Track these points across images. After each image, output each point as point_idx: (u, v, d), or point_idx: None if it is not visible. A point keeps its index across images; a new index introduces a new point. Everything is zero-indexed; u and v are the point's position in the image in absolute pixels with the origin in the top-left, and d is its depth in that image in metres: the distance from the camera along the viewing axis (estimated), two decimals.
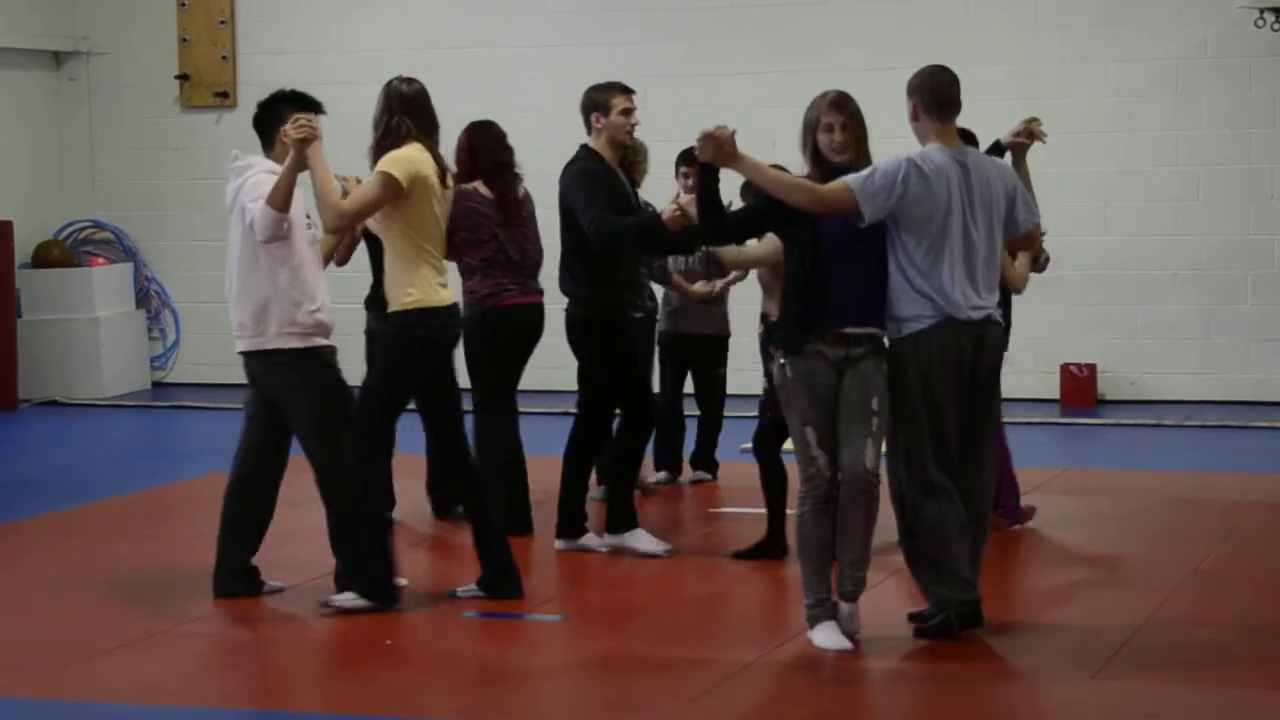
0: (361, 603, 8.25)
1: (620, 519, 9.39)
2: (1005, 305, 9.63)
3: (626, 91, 9.34)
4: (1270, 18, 13.81)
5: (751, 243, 8.66)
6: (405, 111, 8.41)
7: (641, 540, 9.32)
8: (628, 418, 9.39)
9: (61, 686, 7.38)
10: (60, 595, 8.84)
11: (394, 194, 8.23)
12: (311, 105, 8.41)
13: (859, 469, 7.47)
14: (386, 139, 8.40)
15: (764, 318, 9.06)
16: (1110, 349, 14.49)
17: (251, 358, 8.51)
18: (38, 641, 8.01)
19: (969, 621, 7.57)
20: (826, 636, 7.62)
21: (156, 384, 16.43)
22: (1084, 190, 14.20)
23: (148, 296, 16.49)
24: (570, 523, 9.45)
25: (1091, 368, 14.35)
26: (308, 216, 8.40)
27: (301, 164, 8.14)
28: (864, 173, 7.43)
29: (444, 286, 8.41)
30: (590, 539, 9.43)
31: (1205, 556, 9.28)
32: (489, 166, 9.61)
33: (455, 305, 8.52)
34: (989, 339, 7.58)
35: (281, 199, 8.14)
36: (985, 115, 13.49)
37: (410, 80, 8.52)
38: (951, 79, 7.62)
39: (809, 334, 7.54)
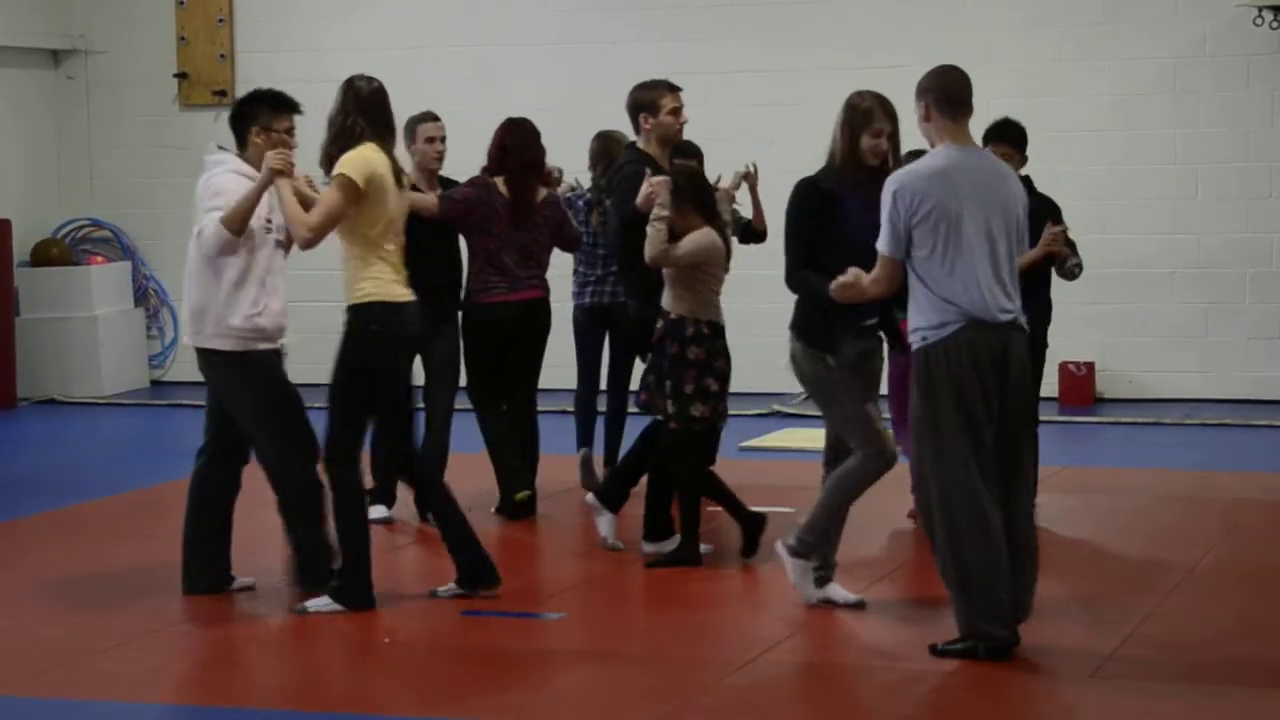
0: (335, 606, 8.24)
1: (659, 527, 9.32)
2: (1047, 304, 9.72)
3: (674, 90, 9.24)
4: (1269, 15, 13.81)
5: (684, 243, 8.79)
6: (360, 111, 8.34)
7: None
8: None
9: (59, 685, 7.37)
10: (58, 593, 8.83)
11: (354, 196, 8.18)
12: (288, 105, 8.41)
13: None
14: (340, 139, 8.36)
15: (665, 315, 8.92)
16: (1109, 348, 14.49)
17: (196, 351, 8.51)
18: (35, 639, 8.00)
19: (997, 657, 7.36)
20: (804, 582, 8.12)
21: (155, 382, 16.43)
22: (1082, 189, 14.18)
23: (146, 295, 16.48)
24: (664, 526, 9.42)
25: (1090, 366, 14.35)
26: (268, 221, 8.31)
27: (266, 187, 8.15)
28: (881, 234, 7.40)
29: (399, 284, 8.32)
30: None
31: (1204, 555, 9.29)
32: (516, 166, 9.70)
33: (412, 303, 8.37)
34: (1014, 345, 7.41)
35: (239, 224, 8.14)
36: (984, 114, 13.58)
37: (370, 79, 8.45)
38: (963, 78, 7.52)
39: (846, 331, 7.84)
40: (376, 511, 9.85)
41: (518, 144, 9.75)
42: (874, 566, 9.08)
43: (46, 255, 16.03)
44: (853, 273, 7.52)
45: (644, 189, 8.86)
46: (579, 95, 14.71)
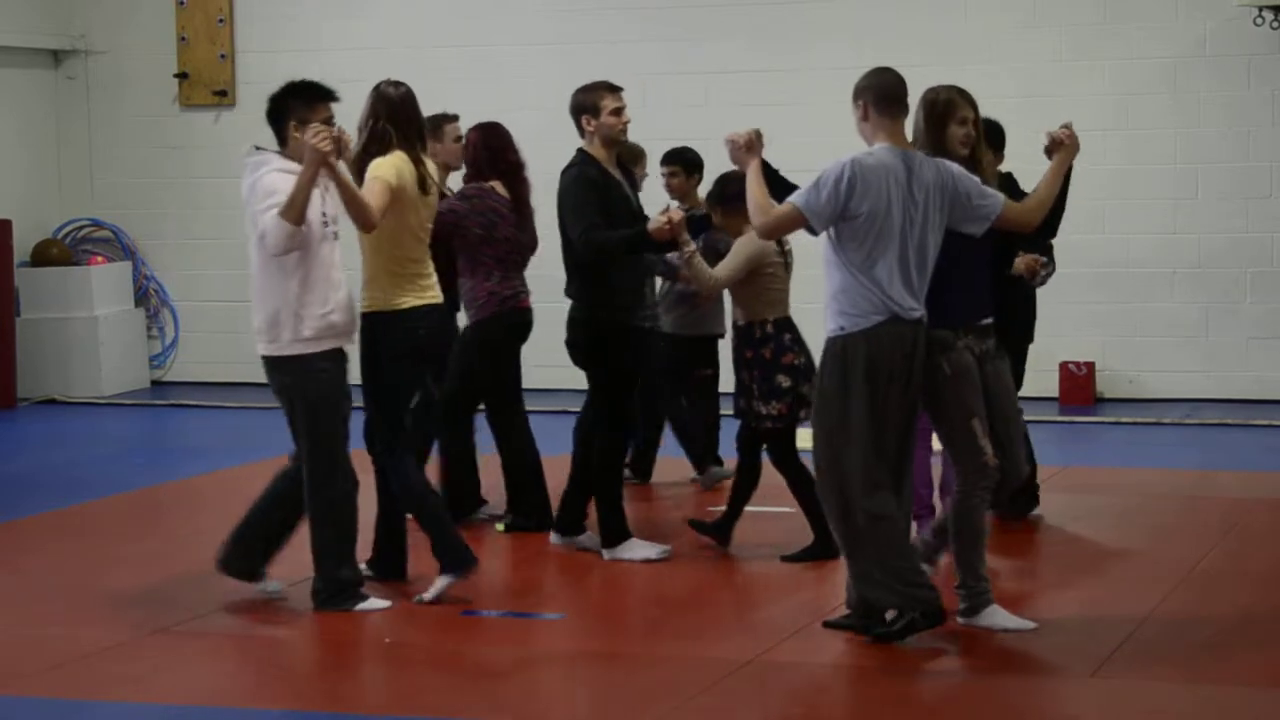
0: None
1: (615, 530, 9.30)
2: (1030, 300, 9.69)
3: (614, 90, 9.20)
4: (1269, 15, 13.80)
5: (729, 259, 8.99)
6: (389, 118, 8.37)
7: (636, 549, 9.25)
8: (614, 425, 9.29)
9: (59, 685, 7.37)
10: (58, 593, 8.84)
11: (391, 199, 8.23)
12: (324, 94, 8.22)
13: (1020, 472, 7.94)
14: (370, 145, 8.38)
15: (734, 322, 9.18)
16: (1109, 347, 14.49)
17: (266, 362, 8.32)
18: (35, 639, 8.00)
19: (935, 619, 7.54)
20: (1005, 618, 7.78)
21: (155, 382, 16.42)
22: (1082, 188, 14.03)
23: (146, 295, 16.48)
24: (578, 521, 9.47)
25: (1090, 366, 14.34)
26: (324, 215, 8.17)
27: (318, 172, 8.00)
28: (807, 187, 7.50)
29: (410, 291, 8.42)
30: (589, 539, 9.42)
31: (1205, 554, 9.28)
32: (506, 166, 9.69)
33: (420, 308, 8.43)
34: (920, 340, 7.56)
35: (297, 213, 7.95)
36: (983, 113, 13.58)
37: (398, 84, 8.45)
38: (899, 79, 7.63)
39: (955, 329, 7.73)
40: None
41: (501, 145, 9.74)
42: None
43: (47, 255, 16.03)
44: (749, 132, 7.72)
45: (660, 221, 8.83)
46: None
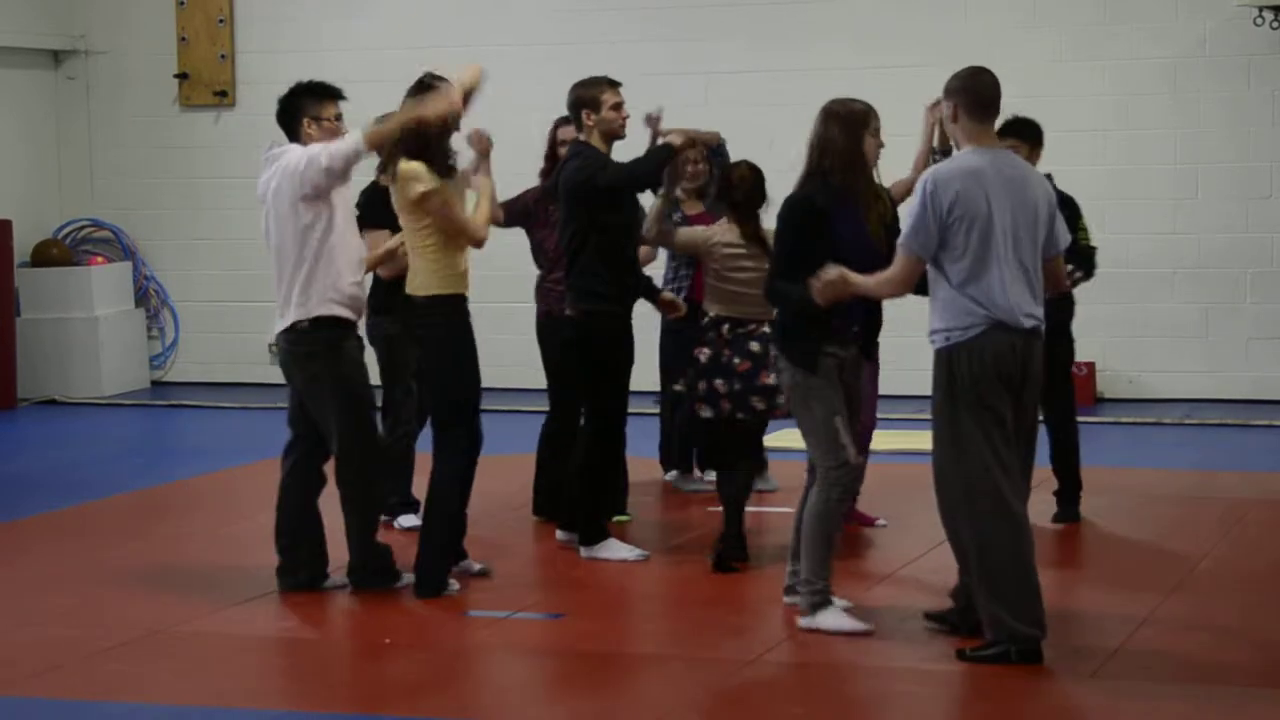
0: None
1: (594, 529, 9.28)
2: (1066, 298, 9.68)
3: (614, 85, 9.22)
4: (1269, 15, 13.80)
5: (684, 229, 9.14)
6: None
7: (614, 549, 9.24)
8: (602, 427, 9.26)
9: (58, 685, 7.37)
10: (58, 594, 8.83)
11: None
12: (331, 92, 8.50)
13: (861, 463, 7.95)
14: (407, 140, 8.47)
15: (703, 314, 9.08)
16: (1109, 347, 14.49)
17: (286, 339, 8.49)
18: (34, 640, 8.00)
19: (1030, 660, 7.34)
20: (839, 619, 7.75)
21: (155, 383, 16.42)
22: (1082, 189, 14.03)
23: (146, 295, 16.48)
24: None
25: (1090, 366, 14.34)
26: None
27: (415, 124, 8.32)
28: (908, 231, 7.30)
29: (413, 281, 8.58)
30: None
31: (1205, 554, 9.28)
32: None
33: (410, 299, 8.57)
34: (1034, 351, 7.38)
35: (381, 142, 8.33)
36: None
37: (439, 77, 8.52)
38: (993, 80, 7.44)
39: (827, 337, 7.74)
40: (407, 520, 9.89)
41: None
42: (868, 570, 9.08)
43: (47, 255, 16.03)
44: (837, 270, 7.45)
45: (680, 135, 9.04)
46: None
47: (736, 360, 8.88)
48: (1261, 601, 8.41)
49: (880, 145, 7.85)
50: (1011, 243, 7.28)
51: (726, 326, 8.92)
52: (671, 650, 7.76)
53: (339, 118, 8.51)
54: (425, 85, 8.48)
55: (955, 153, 7.55)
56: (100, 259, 16.29)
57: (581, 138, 9.20)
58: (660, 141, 9.12)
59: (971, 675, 7.27)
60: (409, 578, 8.51)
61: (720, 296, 8.99)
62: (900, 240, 7.35)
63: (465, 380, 8.50)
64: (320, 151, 8.29)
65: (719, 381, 8.88)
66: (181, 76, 16.23)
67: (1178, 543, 9.62)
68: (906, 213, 7.38)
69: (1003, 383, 7.27)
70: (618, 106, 9.17)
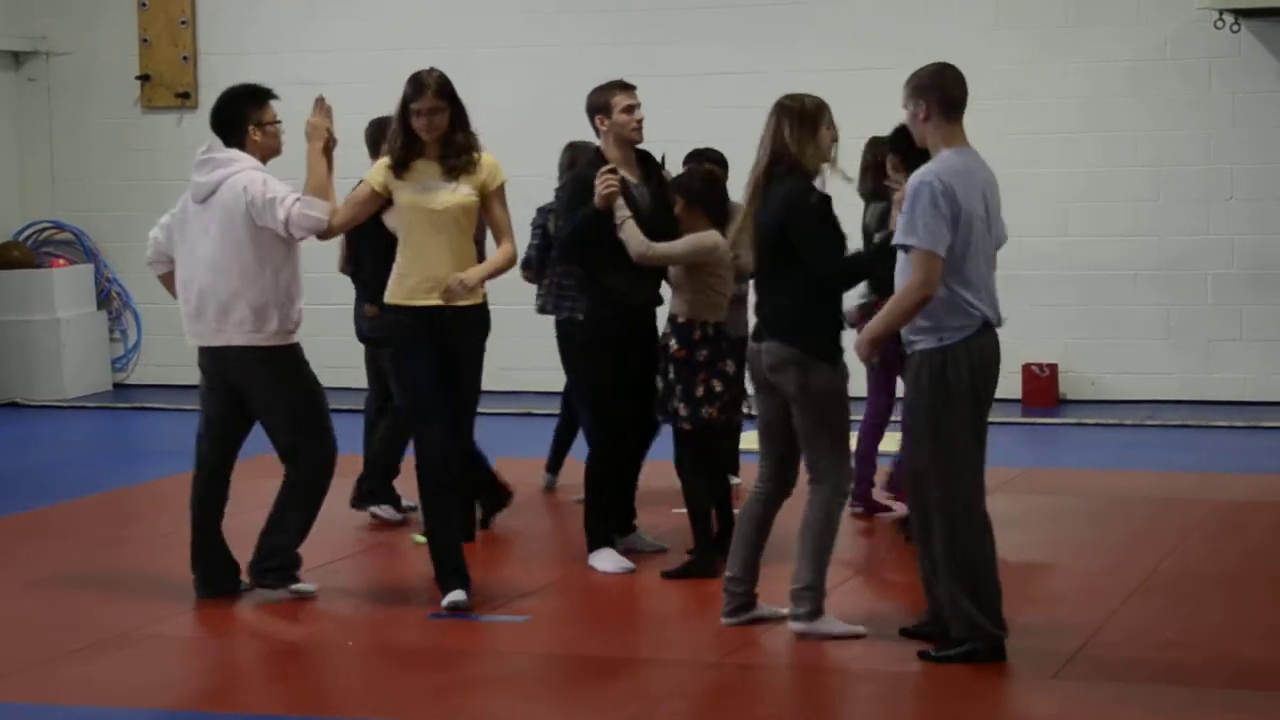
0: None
1: (596, 536, 9.23)
2: None
3: (627, 88, 9.10)
4: (1230, 19, 13.86)
5: (680, 241, 8.77)
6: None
7: (604, 560, 9.21)
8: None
9: (23, 689, 7.35)
10: (23, 597, 8.81)
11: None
12: (265, 94, 8.54)
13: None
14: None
15: (672, 318, 8.90)
16: (1071, 349, 14.54)
17: (229, 351, 8.53)
18: None
19: (997, 657, 7.38)
20: (835, 624, 7.79)
21: (117, 385, 16.38)
22: (1046, 190, 14.23)
23: (109, 298, 16.44)
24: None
25: (1053, 368, 14.39)
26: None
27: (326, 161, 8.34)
28: (921, 231, 7.16)
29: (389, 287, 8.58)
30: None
31: (1166, 555, 9.32)
32: None
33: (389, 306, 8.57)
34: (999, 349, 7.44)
35: (327, 191, 8.37)
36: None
37: (433, 70, 8.40)
38: (960, 77, 7.40)
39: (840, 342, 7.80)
40: (384, 512, 10.12)
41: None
42: (843, 564, 9.10)
43: (8, 258, 15.98)
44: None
45: (598, 186, 8.78)
46: (551, 98, 14.72)
47: (726, 365, 8.82)
48: (1222, 602, 8.45)
49: (833, 133, 7.85)
50: (989, 244, 7.35)
51: (724, 337, 8.87)
52: (636, 652, 7.77)
53: (275, 120, 8.55)
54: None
55: (938, 154, 7.38)
56: (62, 261, 16.24)
57: (600, 144, 9.13)
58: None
59: (934, 677, 7.29)
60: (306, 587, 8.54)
61: (708, 303, 8.83)
62: (913, 242, 7.18)
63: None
64: (279, 206, 8.31)
65: (715, 382, 8.82)
66: (144, 78, 16.19)
67: (1138, 544, 9.66)
68: (916, 209, 7.21)
69: (988, 383, 7.32)
70: (629, 109, 9.03)
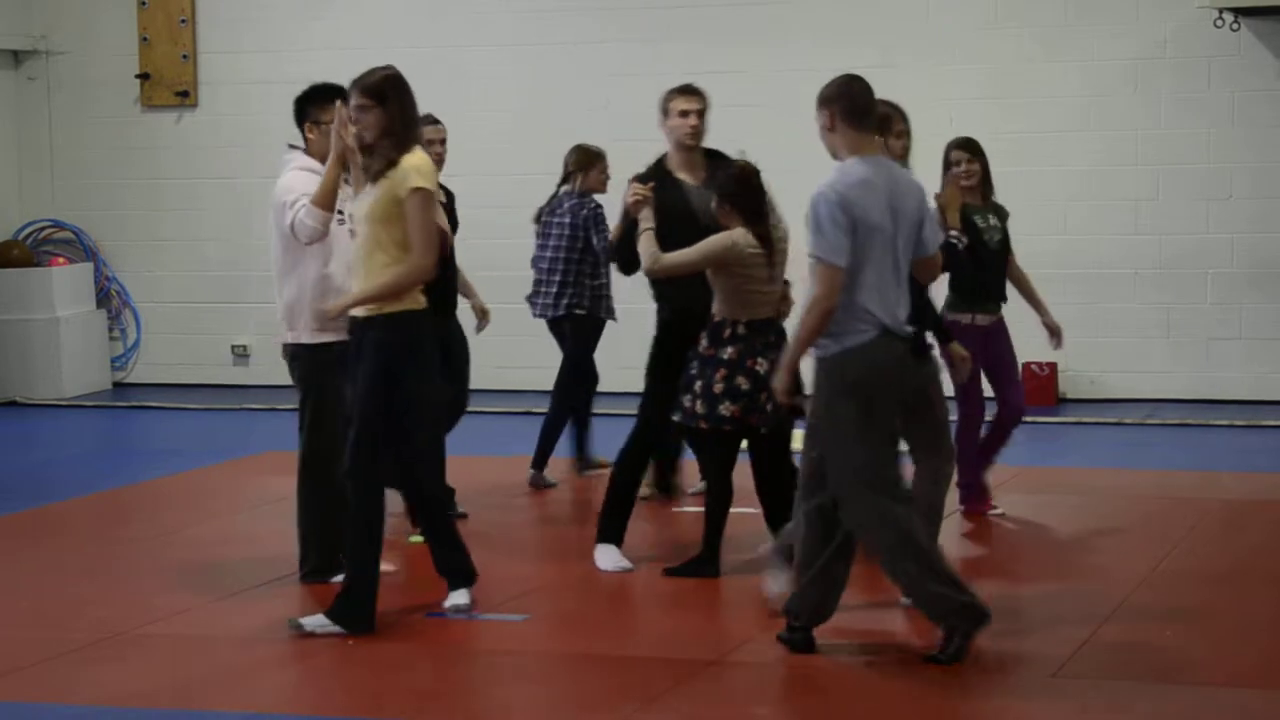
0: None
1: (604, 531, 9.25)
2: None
3: (686, 93, 9.02)
4: (1229, 17, 13.86)
5: (681, 250, 8.69)
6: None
7: (605, 556, 9.20)
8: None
9: (21, 689, 7.35)
10: (21, 596, 8.81)
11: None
12: (329, 93, 8.51)
13: None
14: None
15: (709, 318, 8.82)
16: (1071, 348, 14.40)
17: (286, 350, 8.71)
18: None
19: (980, 621, 7.37)
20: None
21: (117, 384, 16.38)
22: (1045, 189, 14.23)
23: (108, 296, 16.44)
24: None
25: (1052, 366, 14.38)
26: (339, 213, 8.39)
27: (342, 164, 8.19)
28: (822, 245, 7.24)
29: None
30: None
31: (1165, 554, 9.32)
32: None
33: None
34: (910, 350, 7.51)
35: (327, 199, 8.30)
36: (946, 114, 13.63)
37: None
38: (868, 88, 7.45)
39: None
40: None
41: None
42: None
43: (8, 257, 15.98)
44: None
45: (625, 195, 8.84)
46: (542, 96, 14.73)
47: (755, 364, 8.74)
48: (1221, 601, 8.45)
49: (902, 144, 8.10)
50: (892, 253, 7.36)
51: (759, 336, 8.79)
52: (634, 651, 7.76)
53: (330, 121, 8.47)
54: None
55: (841, 163, 7.41)
56: (61, 260, 16.23)
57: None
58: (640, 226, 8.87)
59: (932, 674, 7.28)
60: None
61: (738, 301, 8.74)
62: (816, 255, 7.28)
63: None
64: (288, 210, 8.39)
65: (741, 380, 8.74)
66: (143, 77, 16.19)
67: (1139, 542, 9.66)
68: (819, 221, 7.27)
69: (888, 388, 7.37)
70: (684, 114, 8.97)
